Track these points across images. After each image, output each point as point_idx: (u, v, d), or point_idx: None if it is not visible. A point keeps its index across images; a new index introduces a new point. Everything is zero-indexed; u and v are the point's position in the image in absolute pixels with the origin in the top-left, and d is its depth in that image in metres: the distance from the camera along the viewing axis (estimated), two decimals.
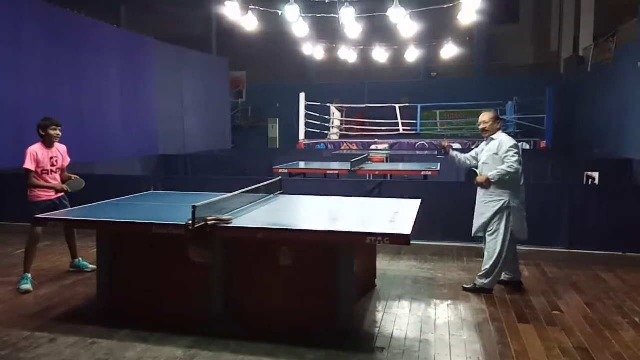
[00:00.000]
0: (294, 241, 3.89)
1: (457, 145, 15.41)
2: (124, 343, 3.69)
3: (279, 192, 5.42)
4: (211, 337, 3.76)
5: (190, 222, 3.64)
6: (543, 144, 15.42)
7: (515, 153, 4.73)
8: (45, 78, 9.68)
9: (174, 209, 4.72)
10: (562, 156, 13.30)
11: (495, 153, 4.81)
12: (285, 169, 9.06)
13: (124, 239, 4.27)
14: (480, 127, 5.02)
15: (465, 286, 4.89)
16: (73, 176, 5.33)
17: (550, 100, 16.08)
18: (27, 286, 4.86)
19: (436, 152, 14.03)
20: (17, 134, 9.00)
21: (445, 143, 5.43)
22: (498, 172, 4.71)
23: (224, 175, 9.99)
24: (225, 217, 3.89)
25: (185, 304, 4.09)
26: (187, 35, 18.59)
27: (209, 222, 3.72)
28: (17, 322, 4.11)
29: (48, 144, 5.13)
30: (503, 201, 4.72)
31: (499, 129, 4.97)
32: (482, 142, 5.21)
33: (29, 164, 4.96)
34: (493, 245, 4.74)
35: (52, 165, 5.14)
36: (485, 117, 5.00)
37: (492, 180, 4.74)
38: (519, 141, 16.00)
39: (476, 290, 4.78)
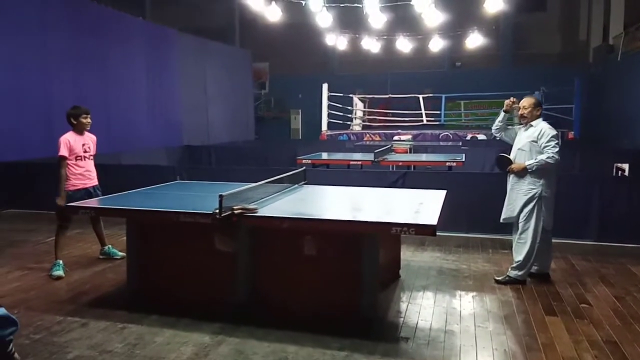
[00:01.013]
0: (319, 231, 3.90)
1: (481, 137, 15.22)
2: (153, 328, 3.78)
3: (302, 183, 5.44)
4: (237, 324, 3.81)
5: (217, 210, 3.68)
6: (571, 134, 15.12)
7: (557, 144, 4.60)
8: (72, 70, 9.88)
9: (200, 198, 4.78)
10: (591, 147, 13.02)
11: (534, 141, 4.66)
12: (309, 159, 9.08)
13: (152, 227, 4.34)
14: (519, 112, 4.83)
15: (497, 278, 4.82)
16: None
17: (578, 90, 15.73)
18: (59, 272, 5.00)
19: (460, 143, 13.88)
20: (45, 125, 9.23)
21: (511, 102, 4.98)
22: (537, 161, 4.58)
23: (248, 166, 10.06)
24: (251, 206, 3.92)
25: (211, 292, 4.16)
26: (210, 26, 18.71)
27: (235, 211, 3.75)
28: (50, 307, 4.23)
29: (79, 131, 5.29)
30: (535, 191, 4.62)
31: (538, 116, 4.80)
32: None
33: (64, 151, 5.13)
34: (525, 236, 4.67)
35: (85, 151, 5.30)
36: (525, 102, 4.79)
37: (530, 170, 4.63)
38: None
39: (509, 282, 4.72)
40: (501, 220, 4.92)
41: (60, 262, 5.10)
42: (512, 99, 5.01)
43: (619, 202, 6.12)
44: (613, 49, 15.20)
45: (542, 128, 4.69)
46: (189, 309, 4.03)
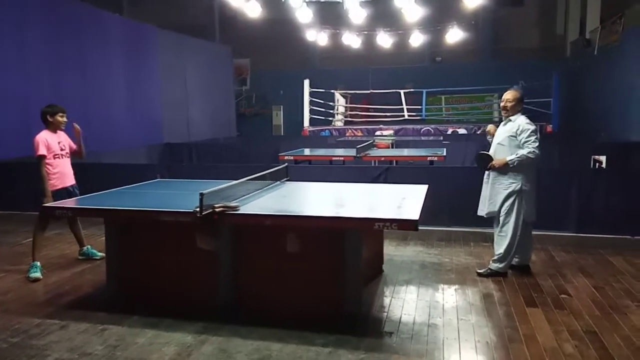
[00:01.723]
0: (301, 227, 3.89)
1: (462, 131, 15.34)
2: (134, 329, 3.73)
3: (285, 179, 5.42)
4: (220, 323, 3.78)
5: (198, 209, 3.64)
6: (549, 127, 15.32)
7: (536, 139, 4.64)
8: (49, 67, 9.67)
9: (181, 196, 4.73)
10: (569, 140, 13.22)
11: (513, 136, 4.68)
12: (291, 156, 9.04)
13: (132, 227, 4.28)
14: (502, 104, 4.86)
15: (479, 271, 4.87)
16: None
17: (556, 84, 15.93)
18: (37, 274, 4.90)
19: (441, 138, 13.98)
20: (22, 125, 9.01)
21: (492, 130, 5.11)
22: (519, 157, 4.59)
23: (229, 163, 9.99)
24: (233, 204, 3.89)
25: (193, 291, 4.11)
26: (189, 23, 18.50)
27: (216, 209, 3.71)
28: (28, 309, 4.14)
29: (53, 130, 5.19)
30: (515, 185, 4.67)
31: (519, 111, 4.81)
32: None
33: (43, 150, 5.02)
34: (506, 230, 4.72)
35: (61, 149, 5.21)
36: (509, 95, 4.81)
37: (511, 165, 4.65)
38: None
39: (490, 275, 4.77)
40: (485, 215, 4.93)
41: (38, 263, 5.00)
42: (491, 128, 5.14)
43: (596, 194, 6.22)
44: (590, 43, 15.42)
45: (520, 123, 4.72)
46: (171, 309, 3.98)
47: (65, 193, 5.11)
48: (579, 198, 6.24)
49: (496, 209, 4.80)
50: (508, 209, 4.71)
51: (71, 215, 4.81)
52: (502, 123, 4.92)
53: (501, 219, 4.76)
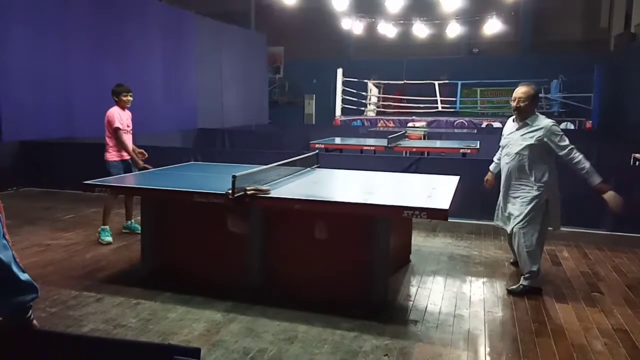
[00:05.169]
0: (330, 213, 3.91)
1: (497, 124, 15.05)
2: (166, 305, 3.85)
3: (315, 166, 5.46)
4: (249, 303, 3.87)
5: (230, 191, 3.72)
6: (588, 124, 14.89)
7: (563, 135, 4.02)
8: (90, 52, 9.96)
9: (214, 179, 4.83)
10: (609, 137, 12.82)
11: (539, 141, 4.03)
12: (322, 144, 9.08)
13: (166, 206, 4.40)
14: (514, 104, 4.11)
15: (510, 288, 4.27)
16: (139, 151, 5.72)
17: (598, 79, 15.44)
18: (108, 238, 5.34)
19: (475, 131, 13.77)
20: (64, 107, 9.35)
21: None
22: (585, 170, 3.99)
23: (261, 149, 10.06)
24: (264, 187, 3.95)
25: (223, 271, 4.21)
26: (226, 10, 18.65)
27: (248, 192, 3.78)
28: (67, 282, 4.33)
29: (122, 107, 5.63)
30: (540, 196, 4.08)
31: (534, 112, 4.09)
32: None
33: (118, 123, 5.48)
34: (535, 243, 4.10)
35: (127, 126, 5.66)
36: (522, 92, 4.06)
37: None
38: (562, 121, 15.42)
39: (525, 292, 4.15)
40: (508, 231, 4.37)
41: (107, 227, 5.39)
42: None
43: (635, 192, 6.03)
44: (635, 37, 14.86)
45: (544, 125, 4.02)
46: (202, 288, 4.09)
47: (124, 165, 5.54)
48: None
49: (517, 221, 4.16)
50: (533, 221, 4.11)
51: (109, 192, 4.97)
52: (513, 126, 4.23)
53: (526, 230, 4.11)
